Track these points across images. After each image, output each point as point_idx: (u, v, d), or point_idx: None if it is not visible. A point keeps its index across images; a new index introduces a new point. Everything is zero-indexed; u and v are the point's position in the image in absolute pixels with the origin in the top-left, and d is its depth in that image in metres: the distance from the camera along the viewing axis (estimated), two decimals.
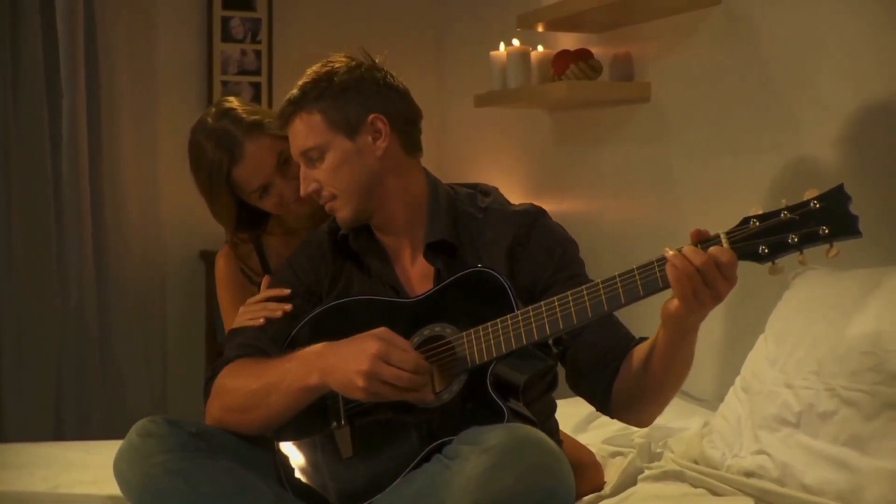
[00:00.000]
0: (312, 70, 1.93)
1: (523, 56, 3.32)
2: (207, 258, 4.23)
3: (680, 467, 2.14)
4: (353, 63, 1.93)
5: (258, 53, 4.29)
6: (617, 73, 3.17)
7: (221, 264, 2.34)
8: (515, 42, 3.34)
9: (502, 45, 3.41)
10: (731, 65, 2.74)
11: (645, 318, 1.95)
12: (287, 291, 1.99)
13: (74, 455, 2.31)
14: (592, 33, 3.30)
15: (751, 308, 2.48)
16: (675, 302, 1.60)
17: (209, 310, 4.24)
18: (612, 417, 1.89)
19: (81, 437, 3.75)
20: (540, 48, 3.37)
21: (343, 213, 1.94)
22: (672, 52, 2.96)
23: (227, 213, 2.22)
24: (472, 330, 1.76)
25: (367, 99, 1.90)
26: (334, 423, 1.85)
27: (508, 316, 1.73)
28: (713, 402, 2.61)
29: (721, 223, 2.78)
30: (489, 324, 1.75)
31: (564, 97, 3.14)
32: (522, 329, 1.71)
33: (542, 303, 1.71)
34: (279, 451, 1.92)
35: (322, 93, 1.89)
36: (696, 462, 2.16)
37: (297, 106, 1.91)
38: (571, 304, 1.68)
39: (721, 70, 2.78)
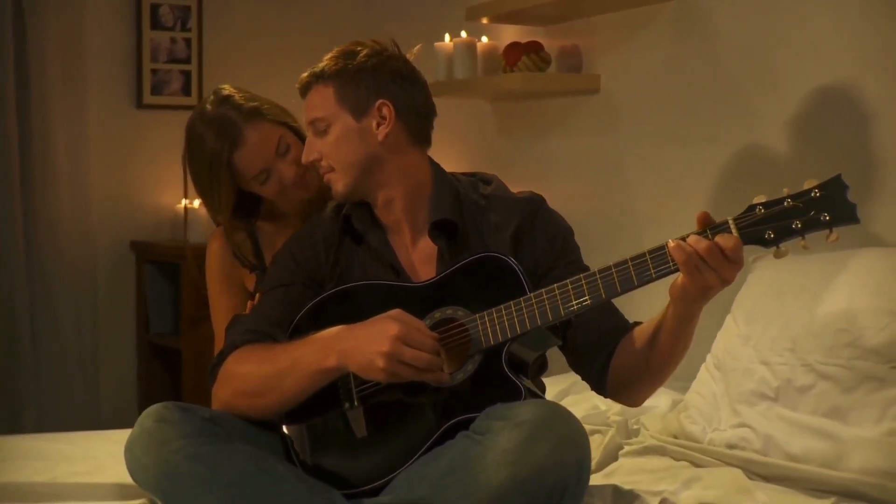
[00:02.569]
0: (339, 48, 2.02)
1: (470, 47, 3.40)
2: (138, 248, 4.20)
3: (660, 442, 2.25)
4: (378, 48, 2.00)
5: (188, 41, 4.27)
6: (564, 65, 3.27)
7: (215, 247, 2.35)
8: (463, 33, 3.41)
9: (448, 37, 3.48)
10: (685, 57, 2.87)
11: (642, 305, 2.04)
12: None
13: (60, 447, 2.29)
14: (538, 26, 3.39)
15: None
16: (685, 282, 1.70)
17: (140, 300, 4.21)
18: (606, 397, 1.98)
19: (13, 430, 3.70)
20: (484, 39, 3.45)
21: (338, 186, 2.01)
22: (623, 45, 3.07)
23: (225, 201, 2.24)
24: (485, 312, 1.83)
25: (379, 85, 1.97)
26: (347, 404, 1.89)
27: (522, 298, 1.81)
28: (672, 381, 2.73)
29: (674, 213, 2.93)
30: (502, 306, 1.82)
31: (518, 88, 3.22)
32: (537, 311, 1.79)
33: (556, 285, 1.79)
34: (289, 433, 1.96)
35: (340, 69, 1.98)
36: (675, 437, 2.27)
37: (316, 77, 2.00)
38: (585, 286, 1.77)
39: (675, 62, 2.90)
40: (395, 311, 1.81)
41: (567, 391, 2.67)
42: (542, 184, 3.43)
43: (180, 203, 4.21)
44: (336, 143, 1.98)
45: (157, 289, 4.20)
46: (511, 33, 3.47)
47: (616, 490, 1.97)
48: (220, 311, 2.32)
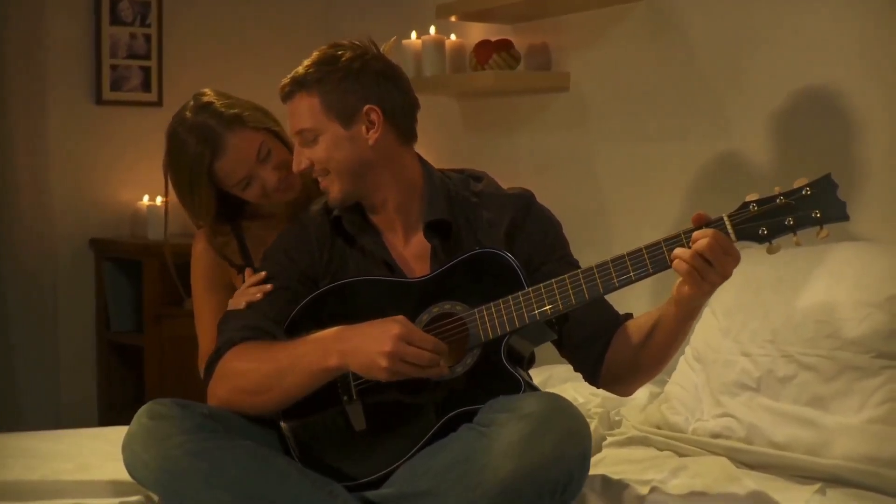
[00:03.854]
0: (319, 51, 2.01)
1: (438, 45, 3.43)
2: (98, 246, 4.17)
3: (643, 433, 2.30)
4: (359, 51, 2.00)
5: (148, 37, 4.24)
6: (533, 63, 3.31)
7: (200, 248, 2.34)
8: (433, 29, 3.44)
9: (414, 34, 3.51)
10: (656, 56, 2.92)
11: (630, 298, 2.09)
12: (263, 275, 2.05)
13: (45, 445, 2.28)
14: (505, 24, 3.42)
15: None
16: (689, 285, 1.74)
17: (99, 298, 4.18)
18: (598, 388, 2.03)
19: None
20: (452, 37, 3.48)
21: (333, 192, 2.02)
22: (593, 43, 3.12)
23: (206, 207, 2.24)
24: (483, 307, 1.86)
25: (365, 89, 1.97)
26: (345, 398, 1.91)
27: (520, 293, 1.85)
28: None
29: (644, 209, 2.99)
30: (500, 301, 1.85)
31: (491, 86, 3.26)
32: (535, 305, 1.83)
33: (554, 280, 1.83)
34: (287, 428, 1.97)
35: (323, 77, 1.97)
36: (658, 427, 2.33)
37: (298, 85, 1.98)
38: (583, 281, 1.81)
39: (646, 61, 2.95)
40: (399, 317, 1.83)
41: (545, 384, 2.71)
42: (511, 180, 3.46)
43: (141, 200, 4.19)
44: (327, 151, 1.98)
45: (117, 286, 4.17)
46: (478, 31, 3.50)
47: (605, 480, 2.01)
48: (206, 310, 2.31)
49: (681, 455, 2.21)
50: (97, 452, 2.23)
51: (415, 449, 1.85)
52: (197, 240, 2.36)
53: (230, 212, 2.32)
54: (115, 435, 2.31)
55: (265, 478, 1.80)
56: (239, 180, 2.21)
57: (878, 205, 2.38)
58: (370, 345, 1.80)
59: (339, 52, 1.99)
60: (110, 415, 4.08)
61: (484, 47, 3.24)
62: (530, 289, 1.85)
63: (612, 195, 3.11)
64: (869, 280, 2.12)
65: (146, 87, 4.24)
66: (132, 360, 4.13)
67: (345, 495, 1.82)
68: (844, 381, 2.05)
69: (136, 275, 4.08)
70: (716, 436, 2.19)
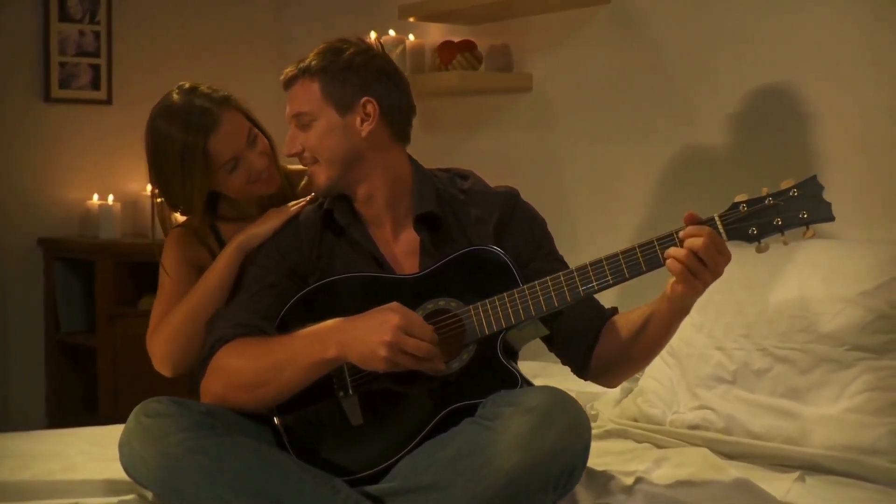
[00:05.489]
0: (325, 43, 2.06)
1: (398, 45, 3.45)
2: (46, 245, 4.11)
3: (621, 426, 2.36)
4: (364, 47, 2.05)
5: (97, 34, 4.20)
6: (494, 64, 3.36)
7: (177, 231, 2.31)
8: (392, 32, 3.47)
9: (373, 34, 3.53)
10: (620, 58, 2.99)
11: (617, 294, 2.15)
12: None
13: (27, 445, 2.26)
14: (466, 25, 3.47)
15: (646, 282, 2.74)
16: (683, 286, 1.80)
17: (48, 298, 4.12)
18: (586, 380, 2.08)
19: None
20: (411, 37, 3.51)
21: (320, 179, 2.05)
22: (556, 45, 3.18)
23: (199, 194, 2.21)
24: (479, 303, 1.90)
25: (365, 82, 2.02)
26: (341, 393, 1.94)
27: (515, 290, 1.89)
28: None
29: (607, 208, 3.05)
30: (496, 297, 1.89)
31: (456, 86, 3.30)
32: (531, 302, 1.87)
33: (549, 277, 1.87)
34: (282, 423, 1.99)
35: (327, 65, 2.02)
36: (635, 420, 2.39)
37: (302, 71, 2.04)
38: (577, 278, 1.85)
39: (610, 63, 3.02)
40: (394, 304, 1.86)
41: None
42: None
43: (91, 199, 4.15)
44: (319, 138, 2.03)
45: (67, 286, 4.12)
46: (437, 32, 3.54)
47: (589, 472, 2.05)
48: (170, 281, 2.20)
49: (660, 447, 2.27)
50: (80, 452, 2.22)
51: (412, 444, 1.88)
52: (170, 236, 2.32)
53: (208, 208, 2.31)
54: (101, 434, 2.32)
55: (267, 474, 1.82)
56: (228, 160, 2.19)
57: (843, 202, 2.46)
58: (369, 335, 1.82)
59: (345, 46, 2.05)
60: (59, 416, 4.04)
61: (447, 48, 3.28)
62: (526, 286, 1.89)
63: (576, 196, 3.17)
64: (840, 276, 2.20)
65: (95, 84, 4.20)
66: (83, 362, 4.08)
67: (346, 490, 1.84)
68: (820, 372, 2.14)
69: (87, 275, 4.04)
70: (694, 427, 2.26)
